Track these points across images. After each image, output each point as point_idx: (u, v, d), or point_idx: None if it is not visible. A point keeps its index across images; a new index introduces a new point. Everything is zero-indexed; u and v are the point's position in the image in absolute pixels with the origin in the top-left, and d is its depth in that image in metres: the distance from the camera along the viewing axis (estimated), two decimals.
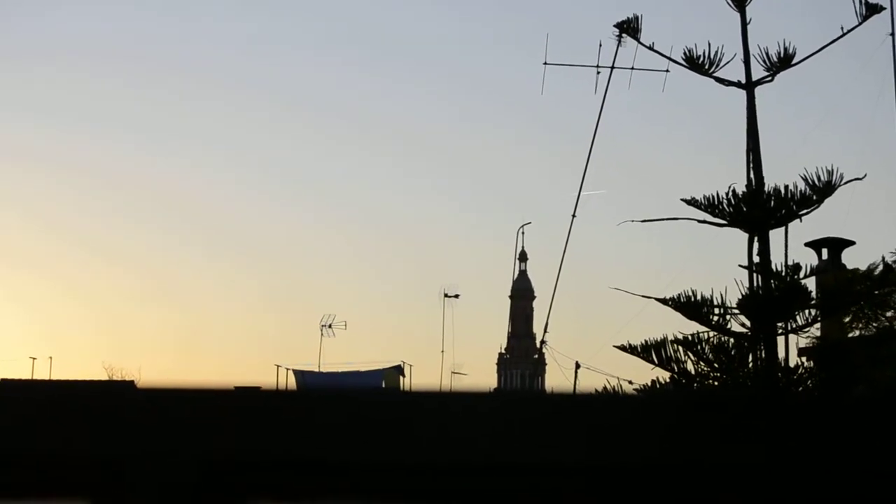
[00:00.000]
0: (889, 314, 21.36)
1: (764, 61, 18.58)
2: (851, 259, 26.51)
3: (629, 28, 19.43)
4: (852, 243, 27.50)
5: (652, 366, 17.82)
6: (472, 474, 1.37)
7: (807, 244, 26.48)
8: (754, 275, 17.80)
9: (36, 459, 1.41)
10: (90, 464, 1.41)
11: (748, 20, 18.75)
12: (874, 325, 21.24)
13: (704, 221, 18.25)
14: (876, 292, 19.58)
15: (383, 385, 35.76)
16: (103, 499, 1.40)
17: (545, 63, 24.39)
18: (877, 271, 19.32)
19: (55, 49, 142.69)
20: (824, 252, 27.38)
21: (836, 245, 27.30)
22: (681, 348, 17.71)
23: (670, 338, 17.77)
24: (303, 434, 1.38)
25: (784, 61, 18.58)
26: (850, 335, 21.38)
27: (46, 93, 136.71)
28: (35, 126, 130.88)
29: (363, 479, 1.37)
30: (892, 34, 21.62)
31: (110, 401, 1.43)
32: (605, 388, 18.14)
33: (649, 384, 17.41)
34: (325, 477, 1.38)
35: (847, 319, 21.39)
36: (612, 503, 1.38)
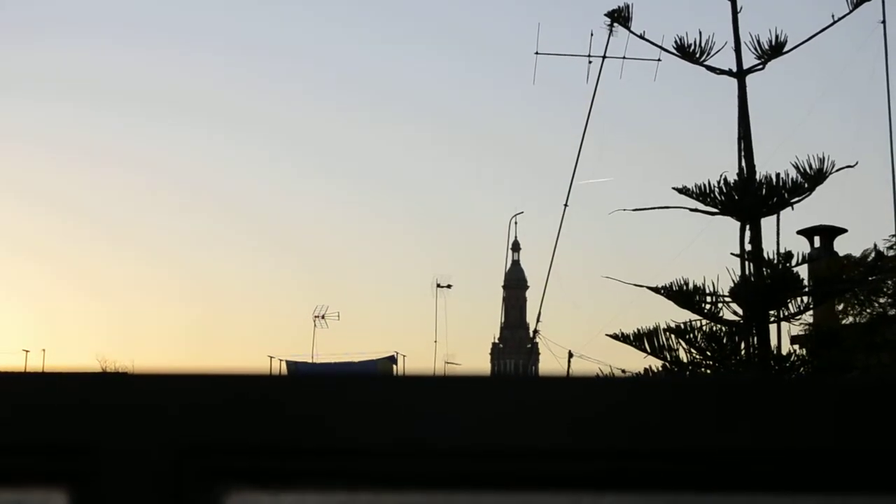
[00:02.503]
0: (882, 300, 21.40)
1: (755, 49, 18.58)
2: (844, 247, 26.54)
3: (620, 17, 19.41)
4: (844, 231, 27.54)
5: (644, 354, 17.84)
6: (464, 458, 1.34)
7: (799, 232, 26.50)
8: (746, 263, 17.81)
9: (9, 447, 1.38)
10: (65, 451, 1.37)
11: (739, 8, 18.74)
12: (868, 311, 21.27)
13: (696, 210, 18.26)
14: (870, 278, 19.61)
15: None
16: (79, 486, 1.36)
17: (536, 52, 24.38)
18: (870, 258, 19.35)
19: (67, 21, 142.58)
20: (816, 240, 27.40)
21: (829, 233, 27.32)
22: (673, 336, 17.73)
23: (663, 326, 17.79)
24: (286, 419, 1.35)
25: (775, 49, 18.56)
26: (844, 322, 21.41)
27: (42, 65, 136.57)
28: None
29: (348, 464, 1.34)
30: (884, 21, 21.63)
31: (85, 386, 1.40)
32: (597, 375, 18.11)
33: (641, 372, 17.43)
34: (308, 462, 1.35)
35: (841, 307, 21.43)
36: (608, 489, 1.35)
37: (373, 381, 1.36)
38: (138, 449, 1.36)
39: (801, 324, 18.80)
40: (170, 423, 1.36)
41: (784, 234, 18.15)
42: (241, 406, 1.36)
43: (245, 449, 1.35)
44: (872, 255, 19.27)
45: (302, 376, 1.37)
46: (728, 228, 18.24)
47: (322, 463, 1.34)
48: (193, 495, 1.36)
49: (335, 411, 1.34)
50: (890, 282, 21.07)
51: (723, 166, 18.43)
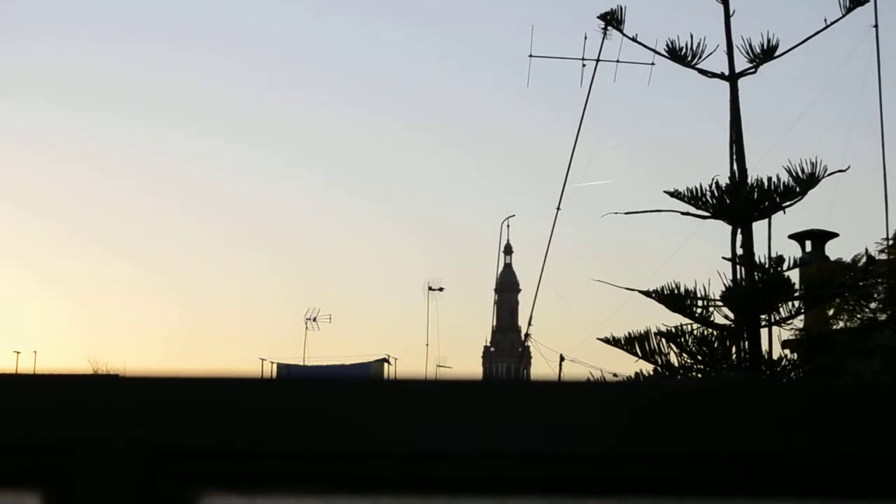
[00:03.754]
0: (873, 305, 21.38)
1: (747, 53, 18.59)
2: (835, 251, 26.57)
3: (613, 19, 19.42)
4: (836, 235, 27.57)
5: (636, 358, 17.84)
6: (440, 462, 1.33)
7: (790, 236, 26.55)
8: (738, 267, 17.81)
9: None
10: (38, 452, 1.35)
11: (731, 12, 18.76)
12: (858, 316, 21.26)
13: (688, 213, 18.27)
14: (861, 283, 19.60)
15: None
16: (52, 488, 1.34)
17: (530, 55, 24.32)
18: (861, 262, 19.34)
19: (55, 24, 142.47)
20: (808, 244, 27.45)
21: (820, 237, 27.36)
22: (664, 340, 17.73)
23: (654, 330, 17.79)
24: (259, 422, 1.33)
25: (767, 53, 18.58)
26: (835, 327, 21.40)
27: (31, 68, 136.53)
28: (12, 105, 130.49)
29: (322, 467, 1.32)
30: (876, 26, 21.64)
31: (59, 388, 1.38)
32: (588, 379, 18.14)
33: (633, 376, 17.43)
34: (281, 466, 1.33)
35: (832, 311, 21.42)
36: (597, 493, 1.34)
37: (348, 385, 1.34)
38: (112, 451, 1.34)
39: (792, 328, 18.81)
40: (144, 425, 1.35)
41: (775, 238, 18.17)
42: (215, 409, 1.34)
43: (219, 452, 1.33)
44: (864, 259, 19.28)
45: (276, 380, 1.36)
46: (720, 232, 18.27)
47: (296, 466, 1.32)
48: (167, 498, 1.34)
49: (309, 415, 1.33)
50: (881, 286, 21.07)
51: (715, 170, 18.43)
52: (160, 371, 1.37)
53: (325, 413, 1.32)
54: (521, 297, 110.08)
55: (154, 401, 1.35)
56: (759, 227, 18.08)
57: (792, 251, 21.11)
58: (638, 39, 19.29)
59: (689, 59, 18.62)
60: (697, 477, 1.33)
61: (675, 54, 18.68)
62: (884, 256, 21.00)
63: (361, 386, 1.34)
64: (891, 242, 21.38)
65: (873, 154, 22.14)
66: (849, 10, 18.65)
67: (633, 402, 1.38)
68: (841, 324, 21.51)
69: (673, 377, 17.42)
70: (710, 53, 18.63)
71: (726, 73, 18.57)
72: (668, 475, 1.33)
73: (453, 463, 1.30)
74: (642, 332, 17.79)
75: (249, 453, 1.33)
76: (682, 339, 17.66)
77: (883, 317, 21.29)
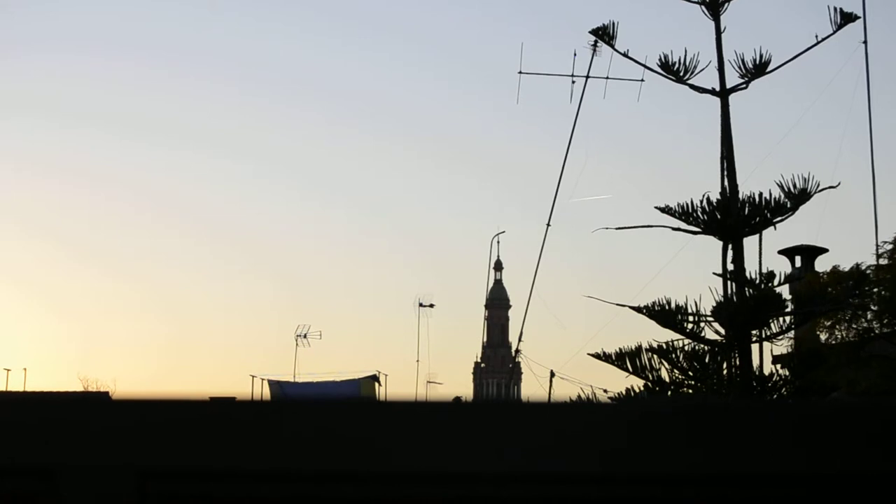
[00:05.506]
0: (869, 315, 21.33)
1: (739, 68, 18.61)
2: (824, 267, 26.56)
3: (605, 34, 19.43)
4: (825, 251, 27.58)
5: (626, 374, 17.82)
6: (436, 484, 1.30)
7: (780, 252, 26.54)
8: (728, 282, 17.80)
9: None
10: (24, 474, 1.32)
11: (723, 28, 18.79)
12: (855, 327, 21.22)
13: (678, 229, 18.25)
14: (857, 292, 19.56)
15: (360, 394, 35.70)
16: None
17: (520, 72, 24.33)
18: (855, 274, 19.32)
19: (44, 41, 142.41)
20: (798, 260, 27.45)
21: (810, 253, 27.36)
22: (655, 356, 17.71)
23: (645, 346, 17.77)
24: (247, 444, 1.30)
25: (759, 69, 18.61)
26: (829, 340, 21.38)
27: (22, 86, 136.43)
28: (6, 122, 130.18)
29: (306, 489, 1.29)
30: (865, 42, 21.70)
31: (45, 408, 1.35)
32: (579, 396, 18.16)
33: (623, 392, 17.42)
34: (265, 487, 1.30)
35: (828, 323, 21.40)
36: None
37: (340, 406, 1.32)
38: (98, 472, 1.31)
39: (784, 339, 18.75)
40: (130, 446, 1.32)
41: (766, 253, 18.17)
42: (200, 431, 1.31)
43: (204, 473, 1.31)
44: (857, 274, 19.25)
45: (263, 403, 1.33)
46: (711, 248, 18.26)
47: (281, 488, 1.30)
48: None
49: (294, 437, 1.30)
50: (875, 296, 20.99)
51: (707, 185, 18.45)
52: (149, 393, 1.35)
53: (319, 435, 1.29)
54: (511, 312, 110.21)
55: (144, 423, 1.33)
56: (749, 243, 18.09)
57: (782, 267, 21.13)
58: (629, 55, 19.31)
59: (682, 73, 18.62)
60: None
61: (668, 69, 18.68)
62: (876, 265, 20.99)
63: (355, 407, 1.31)
64: (890, 247, 21.34)
65: (863, 168, 22.17)
66: (839, 27, 18.70)
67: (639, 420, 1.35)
68: (836, 335, 21.47)
69: (663, 393, 17.41)
70: (703, 69, 18.65)
71: (717, 88, 18.58)
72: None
73: (424, 483, 1.28)
74: (633, 347, 17.78)
75: (235, 475, 1.30)
76: (674, 355, 17.64)
77: (877, 326, 21.23)
